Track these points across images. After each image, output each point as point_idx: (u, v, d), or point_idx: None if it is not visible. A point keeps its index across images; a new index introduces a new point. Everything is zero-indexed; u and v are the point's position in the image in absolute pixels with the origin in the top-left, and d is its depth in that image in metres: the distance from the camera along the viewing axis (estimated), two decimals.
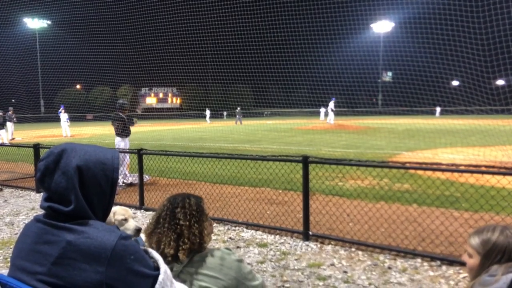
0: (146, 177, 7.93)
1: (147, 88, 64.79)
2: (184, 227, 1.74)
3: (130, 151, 7.62)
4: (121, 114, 8.40)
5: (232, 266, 1.70)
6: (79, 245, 1.11)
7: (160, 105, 65.60)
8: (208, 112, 42.38)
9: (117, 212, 2.40)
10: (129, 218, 2.42)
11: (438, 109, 45.43)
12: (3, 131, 19.28)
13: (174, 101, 67.21)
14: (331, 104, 30.19)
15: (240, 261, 1.74)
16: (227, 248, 1.80)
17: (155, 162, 7.78)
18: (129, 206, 6.36)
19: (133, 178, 8.05)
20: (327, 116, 31.60)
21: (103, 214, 1.26)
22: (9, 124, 21.50)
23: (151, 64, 25.19)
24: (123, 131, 8.36)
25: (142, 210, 6.23)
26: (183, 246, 1.71)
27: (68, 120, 25.15)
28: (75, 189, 1.16)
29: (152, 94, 67.03)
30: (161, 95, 67.33)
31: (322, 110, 37.93)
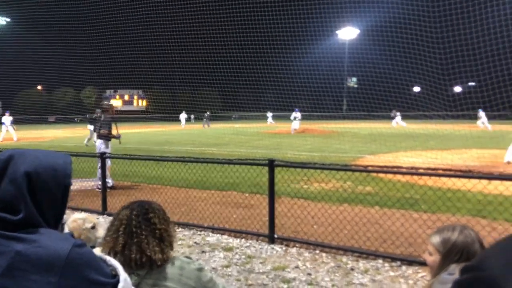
0: (109, 182, 7.73)
1: (112, 90, 63.12)
2: (162, 230, 1.72)
3: (93, 155, 7.42)
4: (98, 115, 8.34)
5: (191, 275, 1.68)
6: (29, 255, 1.06)
7: (125, 108, 64.03)
8: (183, 116, 40.16)
9: (87, 219, 2.40)
10: (97, 226, 2.43)
11: (398, 114, 46.92)
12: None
13: (140, 103, 65.85)
14: (295, 114, 29.73)
15: (200, 270, 1.72)
16: (186, 257, 1.78)
17: (119, 166, 7.60)
18: (91, 212, 6.17)
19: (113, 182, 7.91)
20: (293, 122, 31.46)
21: (55, 221, 1.21)
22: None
23: (116, 66, 24.60)
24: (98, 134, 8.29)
25: (105, 216, 6.06)
26: (165, 250, 1.69)
27: (12, 124, 22.51)
28: (24, 197, 1.11)
29: (117, 96, 65.34)
30: (126, 98, 65.75)
31: (269, 114, 40.73)
